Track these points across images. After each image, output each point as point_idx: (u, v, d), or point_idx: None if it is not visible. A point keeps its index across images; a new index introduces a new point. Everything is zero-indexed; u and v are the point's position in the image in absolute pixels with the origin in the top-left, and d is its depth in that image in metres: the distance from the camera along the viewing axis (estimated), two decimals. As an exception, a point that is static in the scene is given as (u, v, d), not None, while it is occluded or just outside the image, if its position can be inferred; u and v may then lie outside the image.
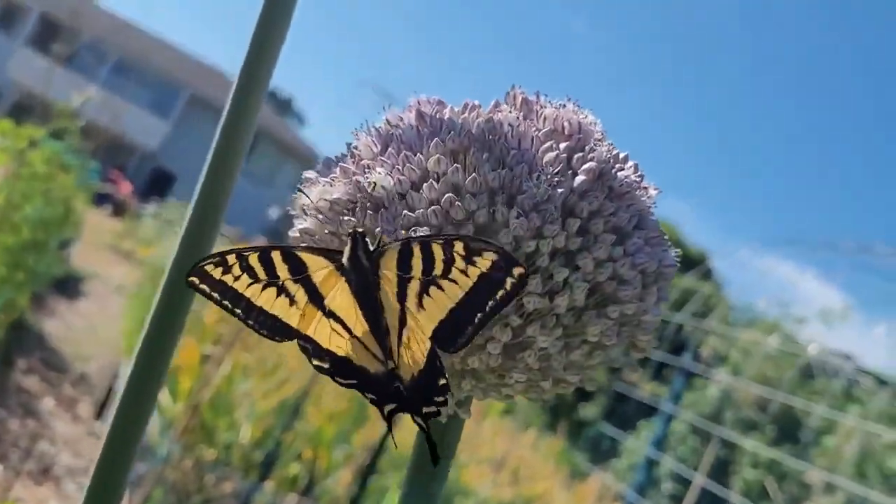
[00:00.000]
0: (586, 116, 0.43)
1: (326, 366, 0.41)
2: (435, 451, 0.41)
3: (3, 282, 3.00)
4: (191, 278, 0.40)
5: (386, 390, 0.41)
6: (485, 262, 0.37)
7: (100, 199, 11.34)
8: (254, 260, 0.41)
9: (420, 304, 0.39)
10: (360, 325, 0.40)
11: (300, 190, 0.44)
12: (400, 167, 0.41)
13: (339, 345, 0.41)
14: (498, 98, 0.45)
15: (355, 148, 0.43)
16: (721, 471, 5.79)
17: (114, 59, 18.17)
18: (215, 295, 0.41)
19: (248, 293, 0.41)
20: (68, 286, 5.86)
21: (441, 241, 0.38)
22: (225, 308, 0.41)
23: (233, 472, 2.86)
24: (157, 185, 18.55)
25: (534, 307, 0.39)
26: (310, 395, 3.11)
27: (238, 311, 0.41)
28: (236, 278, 0.40)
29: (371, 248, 0.40)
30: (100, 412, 3.53)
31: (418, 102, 0.44)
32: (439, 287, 0.38)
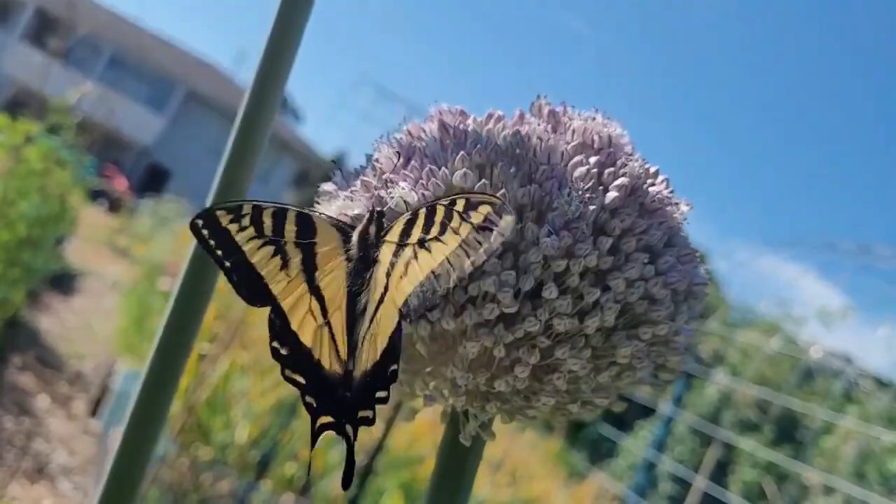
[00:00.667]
0: (615, 129, 0.42)
1: (284, 352, 0.39)
2: (351, 471, 0.38)
3: (-2, 279, 2.98)
4: (196, 220, 0.39)
5: (330, 397, 0.39)
6: (479, 215, 0.35)
7: (95, 195, 11.29)
8: (268, 214, 0.40)
9: (405, 271, 0.37)
10: (339, 314, 0.39)
11: (318, 203, 0.42)
12: (424, 181, 0.39)
13: (308, 331, 0.39)
14: (520, 108, 0.43)
15: (376, 160, 0.42)
16: (719, 471, 5.80)
17: (110, 54, 18.11)
18: (212, 242, 0.39)
19: (246, 247, 0.39)
20: (63, 283, 5.83)
21: (446, 201, 0.36)
22: (215, 258, 0.40)
23: (229, 472, 2.84)
24: (153, 181, 18.49)
25: (563, 328, 0.37)
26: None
27: (227, 263, 0.39)
28: (242, 229, 0.39)
29: (385, 228, 0.39)
30: (94, 410, 3.51)
31: (440, 112, 0.42)
32: (428, 250, 0.37)
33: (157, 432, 0.46)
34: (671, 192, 0.41)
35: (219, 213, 0.39)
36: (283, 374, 0.39)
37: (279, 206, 0.40)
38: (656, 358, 0.41)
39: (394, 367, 0.37)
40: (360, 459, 2.95)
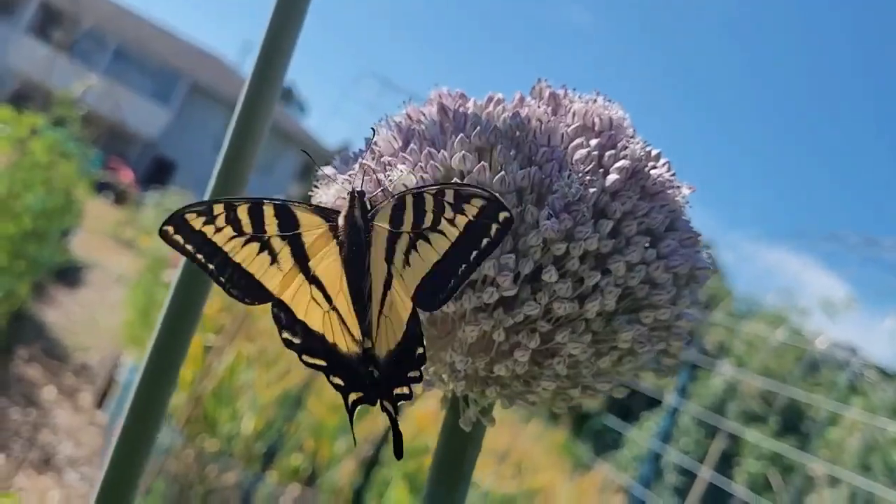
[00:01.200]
0: (616, 112, 0.41)
1: (297, 340, 0.40)
2: (400, 443, 0.39)
3: (3, 271, 2.99)
4: (165, 227, 0.38)
5: (355, 375, 0.39)
6: (472, 208, 0.35)
7: (101, 188, 11.30)
8: (243, 211, 0.39)
9: (407, 262, 0.37)
10: (342, 297, 0.39)
11: (316, 188, 0.42)
12: (423, 164, 0.39)
13: (315, 317, 0.39)
14: (521, 91, 0.43)
15: (375, 143, 0.41)
16: (725, 463, 5.79)
17: (114, 47, 18.09)
18: (189, 247, 0.39)
19: (227, 247, 0.39)
20: (69, 275, 5.84)
21: (433, 191, 0.36)
22: (197, 262, 0.39)
23: (235, 463, 2.85)
24: (158, 173, 18.50)
25: (563, 312, 0.37)
26: (312, 386, 3.10)
27: (211, 266, 0.39)
28: (218, 230, 0.39)
29: (369, 208, 0.39)
30: (101, 402, 3.52)
31: (440, 95, 0.42)
32: (427, 241, 0.37)
33: (158, 422, 0.46)
34: (673, 175, 0.41)
35: (188, 216, 0.38)
36: (301, 359, 0.40)
37: (253, 200, 0.39)
38: (658, 343, 0.41)
39: (420, 350, 0.37)
40: (365, 449, 2.96)
